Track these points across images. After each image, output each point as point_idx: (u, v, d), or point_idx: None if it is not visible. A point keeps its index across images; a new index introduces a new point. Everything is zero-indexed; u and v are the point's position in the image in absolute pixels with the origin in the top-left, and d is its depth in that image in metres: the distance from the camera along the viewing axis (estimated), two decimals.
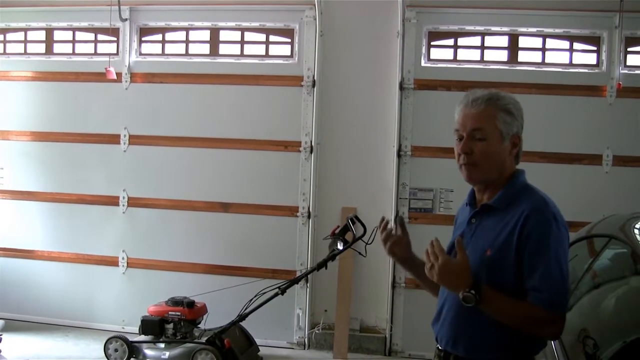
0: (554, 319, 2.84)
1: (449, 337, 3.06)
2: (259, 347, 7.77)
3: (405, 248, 3.38)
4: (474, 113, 3.02)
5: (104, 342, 7.40)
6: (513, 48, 8.12)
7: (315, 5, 8.12)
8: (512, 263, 2.88)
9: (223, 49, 8.65)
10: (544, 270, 2.82)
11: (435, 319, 3.19)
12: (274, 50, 8.56)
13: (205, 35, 8.70)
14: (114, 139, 8.65)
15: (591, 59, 8.01)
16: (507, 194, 3.02)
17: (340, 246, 6.29)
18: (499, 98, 3.03)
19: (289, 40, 8.44)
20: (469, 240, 3.07)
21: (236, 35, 8.64)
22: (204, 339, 7.05)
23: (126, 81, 8.61)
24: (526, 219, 2.86)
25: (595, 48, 7.97)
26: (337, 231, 6.33)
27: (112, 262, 8.70)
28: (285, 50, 8.49)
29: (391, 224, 3.39)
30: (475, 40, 8.21)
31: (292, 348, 8.36)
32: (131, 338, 7.43)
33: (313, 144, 8.23)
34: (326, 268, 6.41)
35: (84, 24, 8.86)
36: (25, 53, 9.09)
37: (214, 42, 8.66)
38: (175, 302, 7.45)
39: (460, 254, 2.90)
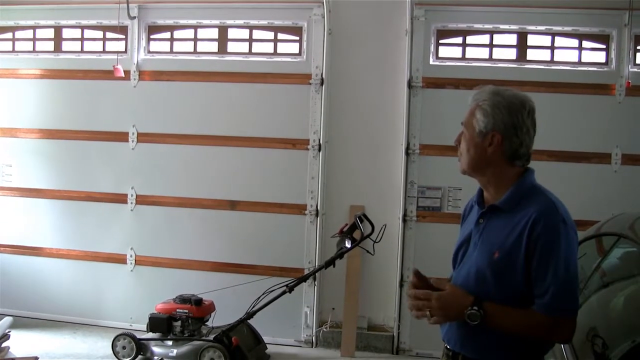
0: (563, 324, 2.83)
1: (457, 338, 3.05)
2: (267, 344, 7.80)
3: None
4: (469, 108, 3.09)
5: (112, 339, 7.43)
6: (522, 46, 8.10)
7: (323, 3, 8.11)
8: (520, 267, 2.86)
9: (231, 46, 8.66)
10: (552, 277, 2.80)
11: None
12: (282, 48, 8.56)
13: (214, 33, 8.70)
14: (122, 136, 8.67)
15: (600, 57, 7.99)
16: (515, 195, 2.99)
17: (348, 244, 6.28)
18: (483, 95, 3.04)
19: (297, 38, 8.44)
20: (477, 241, 3.06)
21: (244, 33, 8.65)
22: (211, 337, 7.05)
23: (134, 79, 8.63)
24: (534, 223, 2.83)
25: (604, 46, 7.95)
26: (345, 229, 6.32)
27: (120, 259, 8.73)
28: (294, 48, 8.49)
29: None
30: (484, 39, 8.20)
31: (300, 346, 8.36)
32: (139, 335, 7.46)
33: (321, 142, 8.23)
34: (334, 266, 6.40)
35: (93, 22, 8.87)
36: (34, 51, 9.11)
37: (222, 40, 8.66)
38: (183, 299, 7.47)
39: (446, 286, 2.97)
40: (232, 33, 8.67)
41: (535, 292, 2.84)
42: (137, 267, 8.71)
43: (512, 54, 8.13)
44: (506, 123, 2.97)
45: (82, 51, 9.00)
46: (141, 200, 8.68)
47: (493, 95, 3.01)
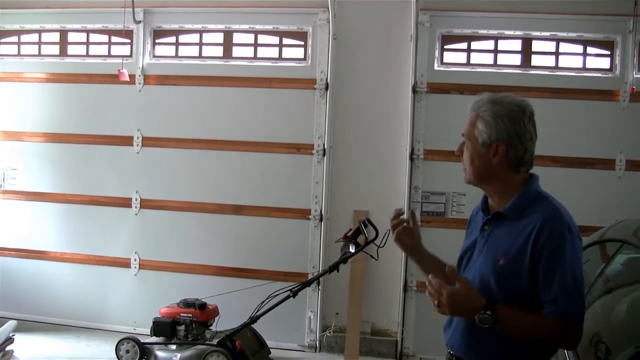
0: (571, 330, 2.84)
1: (461, 344, 3.05)
2: (270, 349, 7.77)
3: (413, 238, 3.44)
4: (468, 118, 3.08)
5: (116, 343, 7.42)
6: (526, 52, 8.10)
7: (328, 8, 8.13)
8: (526, 274, 2.86)
9: (236, 51, 8.67)
10: (559, 284, 2.79)
11: (447, 325, 3.18)
12: (287, 53, 8.57)
13: (219, 37, 8.72)
14: (127, 140, 8.68)
15: (605, 63, 7.99)
16: (519, 202, 2.98)
17: (352, 249, 6.27)
18: (482, 105, 3.02)
19: (302, 43, 8.45)
20: (481, 248, 3.06)
21: (249, 38, 8.66)
22: (215, 341, 7.05)
23: (139, 83, 8.64)
24: (540, 230, 2.83)
25: (608, 52, 7.95)
26: (349, 234, 6.30)
27: (124, 263, 8.73)
28: (299, 53, 8.50)
29: (405, 215, 3.47)
30: (489, 44, 8.20)
31: (304, 351, 8.36)
32: (143, 339, 7.45)
33: (325, 146, 8.23)
34: (338, 271, 6.38)
35: (98, 26, 8.90)
36: (39, 55, 9.14)
37: (228, 44, 8.68)
38: (187, 303, 7.46)
39: (459, 281, 2.91)
40: (237, 38, 8.69)
41: (543, 299, 2.84)
42: (141, 271, 8.71)
43: (516, 59, 8.13)
44: (509, 132, 2.96)
45: (87, 55, 9.02)
46: (146, 204, 8.69)
47: (493, 105, 2.99)
